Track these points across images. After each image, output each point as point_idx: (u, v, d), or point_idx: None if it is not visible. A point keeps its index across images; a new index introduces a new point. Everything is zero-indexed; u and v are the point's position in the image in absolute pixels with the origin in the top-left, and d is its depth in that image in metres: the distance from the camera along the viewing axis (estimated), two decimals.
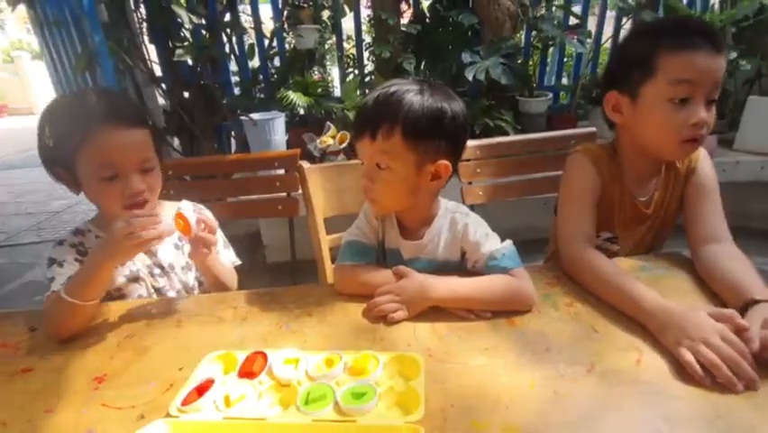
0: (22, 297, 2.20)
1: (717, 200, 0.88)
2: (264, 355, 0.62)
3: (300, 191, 1.22)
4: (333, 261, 1.11)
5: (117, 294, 0.88)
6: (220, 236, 0.99)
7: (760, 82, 2.23)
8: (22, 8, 2.23)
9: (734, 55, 2.08)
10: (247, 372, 0.60)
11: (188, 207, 0.79)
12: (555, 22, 2.42)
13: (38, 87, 7.83)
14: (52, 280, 0.79)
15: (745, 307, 0.65)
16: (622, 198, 0.92)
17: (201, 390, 0.57)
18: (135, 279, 0.89)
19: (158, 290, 0.92)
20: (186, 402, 0.55)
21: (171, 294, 0.93)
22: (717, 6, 2.38)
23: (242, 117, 2.07)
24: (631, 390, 0.57)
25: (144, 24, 2.21)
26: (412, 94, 0.72)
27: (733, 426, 0.51)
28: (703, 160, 0.91)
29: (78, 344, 0.73)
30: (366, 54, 2.52)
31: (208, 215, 0.85)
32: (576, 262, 0.82)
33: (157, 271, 0.92)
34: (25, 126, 6.86)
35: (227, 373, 0.62)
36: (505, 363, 0.63)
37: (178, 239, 0.95)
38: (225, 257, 1.00)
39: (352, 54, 2.59)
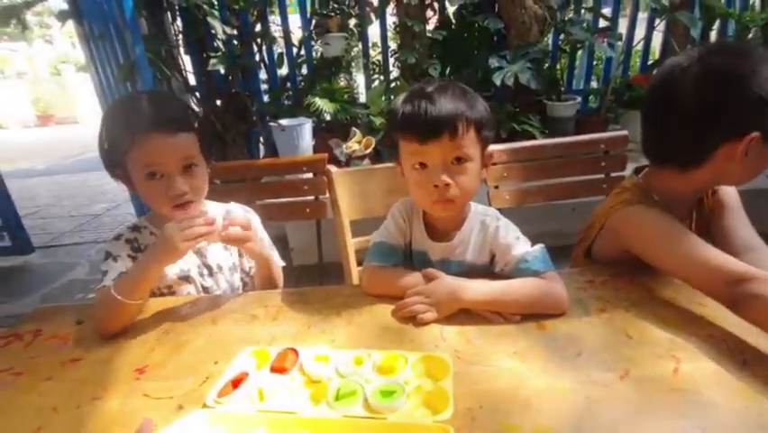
0: (65, 295, 2.32)
1: (743, 214, 0.87)
2: (296, 352, 0.64)
3: (327, 195, 1.25)
4: (358, 263, 1.12)
5: (168, 292, 0.93)
6: (266, 237, 1.03)
7: None
8: (67, 24, 2.38)
9: None
10: (279, 367, 0.62)
11: (237, 209, 0.83)
12: (584, 24, 2.38)
13: (82, 97, 8.27)
14: (105, 273, 0.84)
15: None
16: None
17: (236, 383, 0.60)
18: (185, 278, 0.93)
19: (205, 289, 0.96)
20: (221, 394, 0.57)
21: (218, 294, 0.97)
22: (758, 4, 2.28)
23: (271, 123, 2.13)
24: (667, 398, 0.55)
25: (180, 36, 2.32)
26: (467, 95, 0.77)
27: None
28: None
29: (121, 337, 0.77)
30: (391, 60, 2.55)
31: (254, 217, 0.88)
32: (749, 300, 0.64)
33: (205, 271, 0.96)
34: (70, 134, 7.27)
35: (260, 367, 0.64)
36: (534, 367, 0.62)
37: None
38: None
39: (378, 61, 2.63)
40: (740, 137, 0.72)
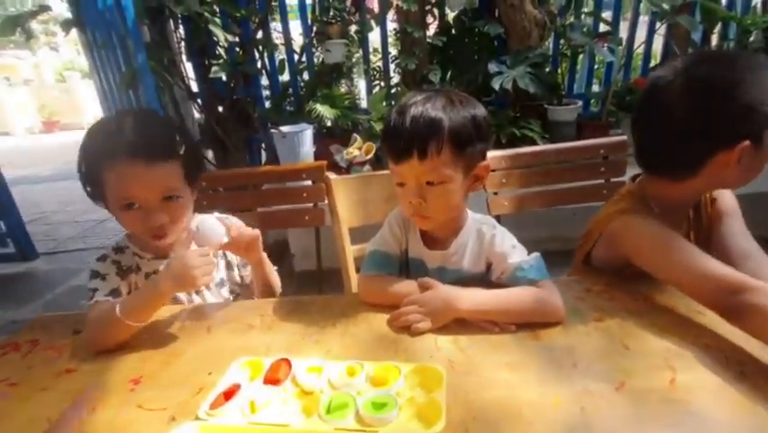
0: (69, 300, 2.34)
1: (742, 222, 0.87)
2: (289, 363, 0.64)
3: (326, 201, 1.25)
4: (357, 270, 1.12)
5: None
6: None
7: None
8: (72, 32, 2.41)
9: None
10: (272, 378, 0.62)
11: (211, 220, 0.81)
12: (585, 29, 2.38)
13: (87, 103, 8.37)
14: (95, 291, 0.83)
15: None
16: None
17: (228, 394, 0.59)
18: (173, 298, 0.91)
19: None
20: (213, 406, 0.57)
21: (213, 302, 0.96)
22: (759, 8, 2.27)
23: (272, 130, 2.14)
24: (663, 410, 0.55)
25: (182, 44, 2.34)
26: (449, 108, 0.73)
27: None
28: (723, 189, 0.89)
29: (117, 348, 0.76)
30: (392, 66, 2.56)
31: (235, 221, 0.88)
32: (745, 310, 0.63)
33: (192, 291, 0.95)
34: (74, 140, 7.33)
35: (253, 378, 0.64)
36: (529, 377, 0.61)
37: (213, 255, 0.96)
38: None
39: (379, 67, 2.64)
40: (732, 146, 0.71)
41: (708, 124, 0.72)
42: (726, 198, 0.90)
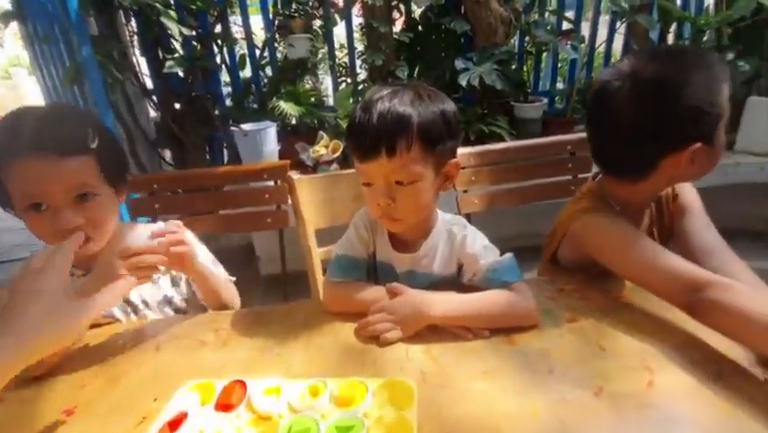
0: None
1: (705, 217, 0.87)
2: (243, 385, 0.57)
3: (290, 203, 1.19)
4: (324, 273, 1.06)
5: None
6: (206, 253, 0.94)
7: (758, 83, 2.20)
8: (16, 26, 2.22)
9: (731, 56, 2.05)
10: (225, 403, 0.55)
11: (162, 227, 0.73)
12: (548, 27, 2.41)
13: (34, 101, 7.85)
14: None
15: None
16: None
17: (174, 424, 0.53)
18: (109, 316, 0.83)
19: None
20: None
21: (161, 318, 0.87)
22: (711, 8, 2.36)
23: (233, 128, 2.04)
24: (644, 416, 0.52)
25: (135, 37, 2.19)
26: (417, 103, 0.68)
27: None
28: (684, 184, 0.90)
29: (51, 372, 0.68)
30: (358, 62, 2.50)
31: (187, 233, 0.79)
32: (707, 306, 0.62)
33: (129, 309, 0.85)
34: None
35: (204, 404, 0.57)
36: (505, 387, 0.58)
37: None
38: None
39: (345, 63, 2.57)
40: (683, 148, 0.71)
41: (657, 129, 0.72)
42: (688, 193, 0.90)
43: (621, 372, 0.59)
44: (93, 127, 0.74)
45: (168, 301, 0.90)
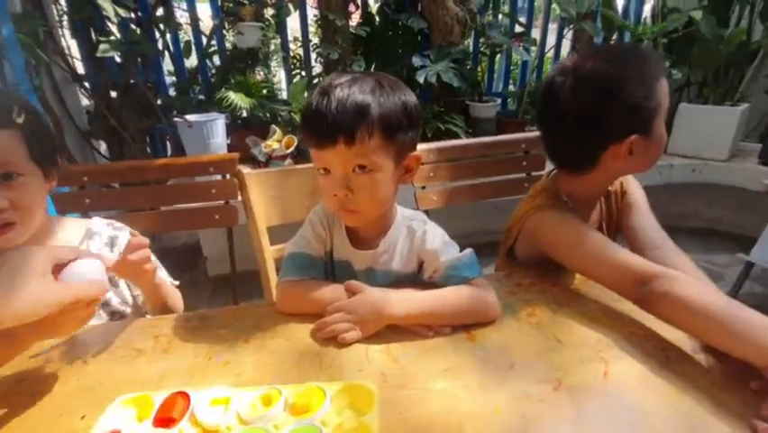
0: None
1: (650, 213, 0.92)
2: (186, 396, 0.52)
3: (240, 198, 1.12)
4: (278, 272, 1.01)
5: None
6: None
7: (688, 90, 2.39)
8: None
9: (666, 65, 2.21)
10: (164, 418, 0.49)
11: (101, 224, 0.66)
12: (502, 29, 2.47)
13: None
14: None
15: None
16: None
17: None
18: None
19: None
20: None
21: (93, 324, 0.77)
22: (648, 20, 2.53)
23: (177, 119, 1.91)
24: (601, 407, 0.53)
25: (65, 17, 1.99)
26: (378, 91, 0.65)
27: None
28: (631, 180, 0.95)
29: None
30: (313, 56, 2.43)
31: (127, 234, 0.71)
32: (655, 298, 0.64)
33: None
34: None
35: (141, 420, 0.51)
36: (467, 384, 0.57)
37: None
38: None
39: (299, 55, 2.49)
40: (621, 140, 0.75)
41: (596, 121, 0.76)
42: (634, 190, 0.95)
43: (577, 364, 0.60)
44: (18, 103, 0.66)
45: (106, 304, 0.81)
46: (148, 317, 0.82)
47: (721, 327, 0.57)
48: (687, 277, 0.65)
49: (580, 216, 0.82)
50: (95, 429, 0.49)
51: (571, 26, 2.44)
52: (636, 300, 0.67)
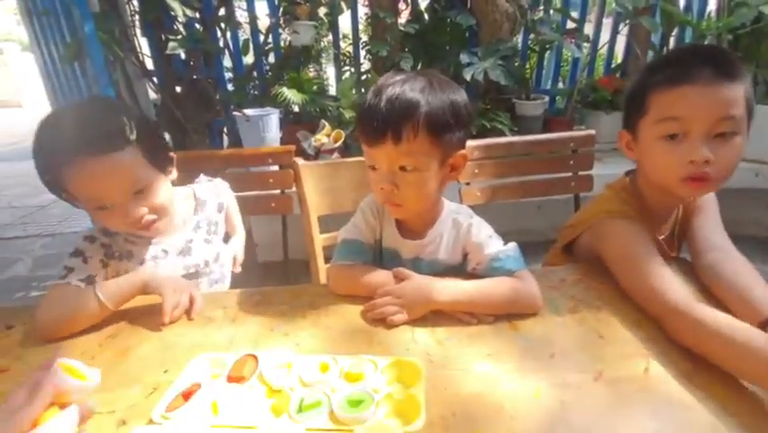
0: (3, 294, 2.13)
1: (714, 217, 0.88)
2: (255, 358, 0.59)
3: (294, 188, 1.19)
4: (326, 260, 1.07)
5: None
6: (234, 206, 1.08)
7: (755, 90, 2.23)
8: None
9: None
10: (236, 376, 0.57)
11: (204, 184, 0.91)
12: (553, 25, 2.42)
13: (26, 79, 7.66)
14: (71, 270, 0.76)
15: (761, 326, 0.61)
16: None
17: (187, 395, 0.54)
18: None
19: None
20: (170, 408, 0.52)
21: None
22: (713, 14, 2.38)
23: (235, 113, 2.03)
24: (641, 399, 0.55)
25: (137, 17, 2.16)
26: (427, 90, 0.69)
27: None
28: None
29: (60, 342, 0.69)
30: (363, 53, 2.49)
31: (224, 189, 0.99)
32: (698, 328, 0.62)
33: (192, 270, 0.91)
34: (12, 119, 6.72)
35: (216, 377, 0.58)
36: (508, 369, 0.60)
37: (207, 233, 0.95)
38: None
39: (349, 52, 2.56)
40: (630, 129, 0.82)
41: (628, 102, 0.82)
42: (707, 197, 0.90)
43: (619, 358, 0.61)
44: (129, 117, 0.75)
45: (217, 258, 0.96)
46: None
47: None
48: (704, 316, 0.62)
49: (654, 221, 0.82)
50: (177, 382, 0.57)
51: (627, 21, 2.34)
52: (665, 329, 0.66)
